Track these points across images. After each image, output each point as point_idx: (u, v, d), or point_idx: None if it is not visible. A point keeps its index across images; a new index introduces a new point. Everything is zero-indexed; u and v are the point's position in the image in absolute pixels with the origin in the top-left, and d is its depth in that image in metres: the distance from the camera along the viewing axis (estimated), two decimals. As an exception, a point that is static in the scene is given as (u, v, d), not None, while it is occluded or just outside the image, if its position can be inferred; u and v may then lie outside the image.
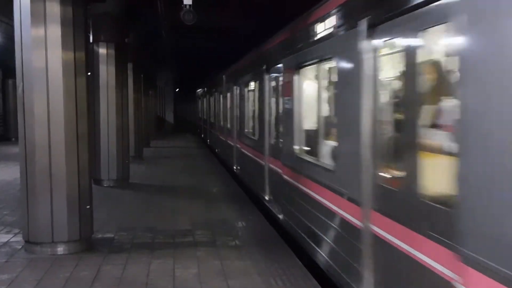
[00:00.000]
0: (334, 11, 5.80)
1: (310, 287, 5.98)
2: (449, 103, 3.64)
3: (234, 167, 15.03)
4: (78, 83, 7.18)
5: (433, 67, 4.13)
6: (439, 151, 3.76)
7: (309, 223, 6.76)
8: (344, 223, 5.30)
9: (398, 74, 4.51)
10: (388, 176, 4.47)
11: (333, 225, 5.73)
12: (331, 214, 5.78)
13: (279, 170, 8.73)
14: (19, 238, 7.61)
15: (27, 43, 6.96)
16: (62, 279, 6.16)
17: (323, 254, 6.12)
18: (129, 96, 14.91)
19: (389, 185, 4.36)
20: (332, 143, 6.18)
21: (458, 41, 3.23)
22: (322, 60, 6.47)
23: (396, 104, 4.57)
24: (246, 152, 12.95)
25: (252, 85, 12.29)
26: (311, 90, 7.40)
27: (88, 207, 7.44)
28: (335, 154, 5.91)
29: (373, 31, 4.57)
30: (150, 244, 7.72)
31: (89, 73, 7.70)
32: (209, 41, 24.11)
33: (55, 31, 6.96)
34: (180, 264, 6.73)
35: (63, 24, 6.99)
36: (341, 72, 5.57)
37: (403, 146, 4.16)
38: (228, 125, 16.63)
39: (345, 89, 5.46)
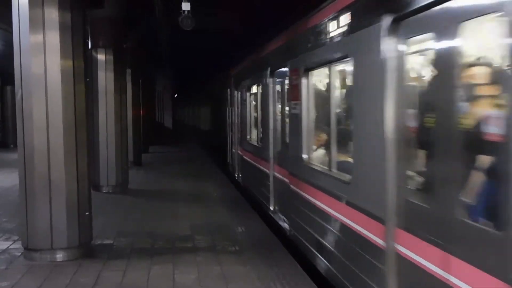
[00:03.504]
0: None
1: (311, 291, 5.98)
2: None
3: None
4: (76, 89, 7.17)
5: None
6: None
7: None
8: None
9: None
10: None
11: None
12: None
13: None
14: (18, 245, 7.59)
15: (26, 49, 6.96)
16: (61, 286, 6.14)
17: None
18: (127, 101, 14.91)
19: None
20: None
21: None
22: None
23: None
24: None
25: None
26: None
27: (87, 213, 7.42)
28: None
29: None
30: (149, 249, 7.70)
31: (87, 79, 7.70)
32: (209, 45, 24.08)
33: (53, 37, 6.96)
34: (180, 269, 6.71)
35: (62, 30, 6.99)
36: None
37: None
38: None
39: None
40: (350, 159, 5.61)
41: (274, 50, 9.51)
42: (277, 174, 9.13)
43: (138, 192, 13.23)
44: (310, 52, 6.88)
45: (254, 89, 11.94)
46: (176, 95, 54.00)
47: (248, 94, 12.55)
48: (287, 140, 8.37)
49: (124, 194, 12.74)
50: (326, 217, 6.10)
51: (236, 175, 14.69)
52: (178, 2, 11.64)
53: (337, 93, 6.47)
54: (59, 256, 7.08)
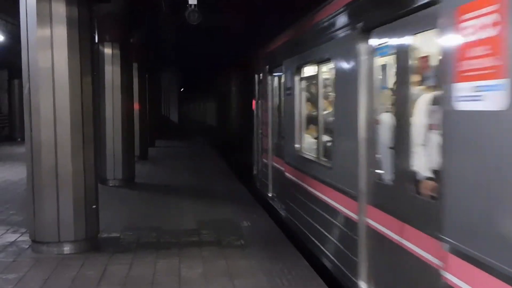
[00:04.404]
0: None
1: (316, 286, 5.99)
2: None
3: None
4: (83, 83, 7.21)
5: None
6: None
7: None
8: None
9: None
10: None
11: None
12: None
13: None
14: (26, 237, 7.65)
15: (33, 43, 7.00)
16: (68, 279, 6.19)
17: None
18: (134, 95, 14.95)
19: None
20: None
21: None
22: None
23: None
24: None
25: None
26: None
27: (94, 206, 7.47)
28: None
29: None
30: (155, 243, 7.74)
31: (94, 73, 7.73)
32: (214, 41, 24.06)
33: (61, 32, 6.99)
34: (186, 263, 6.74)
35: (69, 24, 7.02)
36: None
37: None
38: None
39: None
40: None
41: None
42: (379, 227, 4.84)
43: (144, 186, 13.28)
44: None
45: (310, 70, 8.01)
46: (182, 89, 54.00)
47: (297, 79, 8.46)
48: (417, 165, 4.28)
49: (130, 188, 12.79)
50: None
51: (269, 195, 10.77)
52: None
53: None
54: (66, 249, 7.13)
